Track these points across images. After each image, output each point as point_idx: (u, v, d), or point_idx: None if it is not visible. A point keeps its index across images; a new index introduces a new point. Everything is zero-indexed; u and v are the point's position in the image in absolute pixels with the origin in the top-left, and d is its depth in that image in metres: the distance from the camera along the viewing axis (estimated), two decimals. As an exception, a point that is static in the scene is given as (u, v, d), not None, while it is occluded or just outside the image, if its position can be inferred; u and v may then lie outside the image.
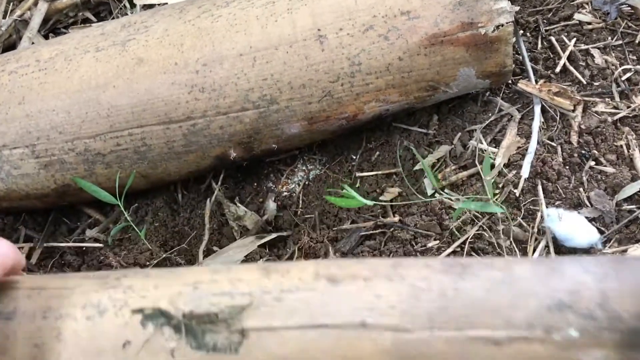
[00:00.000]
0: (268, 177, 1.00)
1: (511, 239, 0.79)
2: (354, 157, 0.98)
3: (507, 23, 0.79)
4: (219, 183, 0.96)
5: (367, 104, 0.85)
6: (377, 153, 0.96)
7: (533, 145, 0.84)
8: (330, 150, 0.99)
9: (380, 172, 0.93)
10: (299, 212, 0.94)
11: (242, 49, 0.82)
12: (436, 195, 0.86)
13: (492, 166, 0.83)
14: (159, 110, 0.83)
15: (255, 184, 1.00)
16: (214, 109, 0.83)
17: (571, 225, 0.77)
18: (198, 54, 0.83)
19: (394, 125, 0.96)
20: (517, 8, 0.79)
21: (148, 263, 0.89)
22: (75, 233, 0.96)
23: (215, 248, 0.91)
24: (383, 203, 0.87)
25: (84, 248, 0.93)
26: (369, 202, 0.79)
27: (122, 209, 0.85)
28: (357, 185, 0.93)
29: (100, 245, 0.92)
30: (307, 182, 0.98)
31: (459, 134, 0.92)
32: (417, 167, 0.91)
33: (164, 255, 0.89)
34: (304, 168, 0.99)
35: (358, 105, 0.85)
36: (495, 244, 0.81)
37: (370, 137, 0.97)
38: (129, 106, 0.83)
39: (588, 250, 0.78)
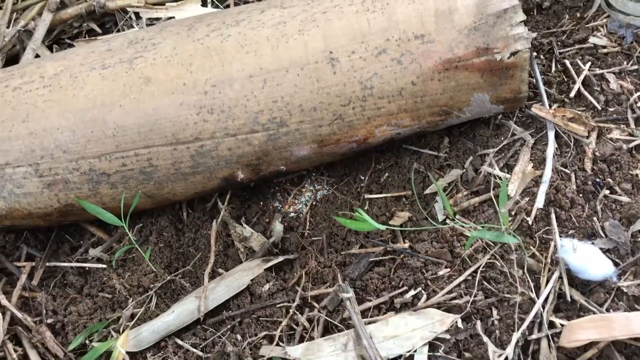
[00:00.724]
0: (275, 197, 0.98)
1: (525, 270, 0.78)
2: (363, 178, 0.96)
3: (523, 49, 0.77)
4: (225, 203, 0.94)
5: (378, 127, 0.83)
6: (387, 174, 0.95)
7: (547, 174, 0.82)
8: (338, 170, 0.98)
9: (389, 195, 0.92)
10: (306, 234, 0.92)
11: (252, 70, 0.80)
12: (447, 221, 0.85)
13: (508, 196, 0.81)
14: (166, 131, 0.82)
15: (262, 203, 0.98)
16: (223, 130, 0.81)
17: (586, 257, 0.76)
18: (207, 74, 0.81)
19: (404, 147, 0.94)
20: (535, 34, 0.77)
21: (152, 285, 0.87)
22: (78, 252, 0.94)
23: (220, 270, 0.89)
24: (394, 228, 0.85)
25: (87, 268, 0.91)
26: (381, 227, 0.77)
27: (127, 230, 0.84)
28: (365, 208, 0.92)
29: (104, 265, 0.90)
30: (314, 203, 0.96)
31: (471, 157, 0.90)
32: (427, 191, 0.90)
33: (169, 278, 0.88)
34: (311, 188, 0.98)
35: (369, 129, 0.83)
36: (508, 274, 0.79)
37: (379, 158, 0.96)
38: (135, 126, 0.82)
39: (602, 283, 0.76)
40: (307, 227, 0.93)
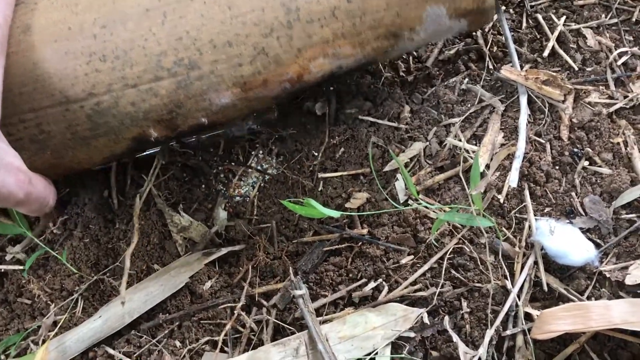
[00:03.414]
0: (217, 178, 0.87)
1: (500, 256, 0.69)
2: (316, 154, 0.85)
3: None
4: (151, 175, 0.83)
5: (312, 61, 0.70)
6: (342, 150, 0.84)
7: (521, 147, 0.73)
8: (288, 145, 0.87)
9: (345, 173, 0.81)
10: (253, 220, 0.82)
11: (148, 2, 0.67)
12: (410, 202, 0.75)
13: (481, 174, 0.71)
14: (52, 88, 0.68)
15: (203, 186, 0.87)
16: (120, 81, 0.68)
17: (565, 240, 0.67)
18: (95, 14, 0.67)
19: (360, 119, 0.84)
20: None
21: (77, 288, 0.76)
22: (-7, 251, 0.82)
23: (156, 266, 0.78)
24: (350, 214, 0.75)
25: (3, 270, 0.80)
26: (335, 214, 0.66)
27: (34, 237, 0.72)
28: (319, 189, 0.81)
29: (22, 267, 0.79)
30: (262, 184, 0.86)
31: (435, 128, 0.80)
32: (387, 168, 0.80)
33: (95, 277, 0.77)
34: (258, 167, 0.87)
35: (302, 64, 0.70)
36: (478, 260, 0.70)
37: (333, 131, 0.85)
38: (16, 86, 0.67)
39: (582, 268, 0.68)
40: (255, 213, 0.82)
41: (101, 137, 0.72)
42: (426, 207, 0.72)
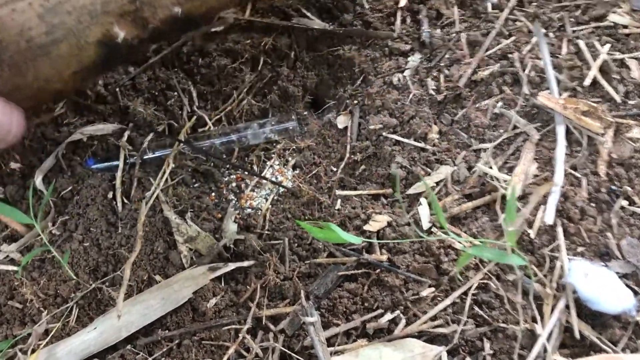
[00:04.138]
0: (229, 187, 0.83)
1: (531, 297, 0.64)
2: (335, 170, 0.81)
3: None
4: (160, 177, 0.78)
5: None
6: (363, 167, 0.80)
7: (558, 182, 0.68)
8: (306, 157, 0.82)
9: (365, 192, 0.77)
10: (264, 235, 0.77)
11: None
12: (434, 229, 0.71)
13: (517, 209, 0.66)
14: None
15: (214, 194, 0.82)
16: None
17: (600, 284, 0.62)
18: None
19: (385, 136, 0.79)
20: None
21: (73, 295, 0.71)
22: (-14, 248, 0.77)
23: (158, 277, 0.73)
24: (371, 241, 0.70)
25: (-6, 269, 0.75)
26: (356, 240, 0.62)
27: (38, 228, 0.67)
28: (337, 207, 0.77)
29: (16, 267, 0.74)
30: (276, 197, 0.81)
31: (464, 152, 0.76)
32: (411, 191, 0.75)
33: (94, 285, 0.72)
34: (273, 179, 0.82)
35: None
36: (505, 298, 0.66)
37: (355, 146, 0.81)
38: None
39: (617, 316, 0.63)
40: (267, 228, 0.78)
41: (61, 42, 0.62)
42: (454, 238, 0.67)
